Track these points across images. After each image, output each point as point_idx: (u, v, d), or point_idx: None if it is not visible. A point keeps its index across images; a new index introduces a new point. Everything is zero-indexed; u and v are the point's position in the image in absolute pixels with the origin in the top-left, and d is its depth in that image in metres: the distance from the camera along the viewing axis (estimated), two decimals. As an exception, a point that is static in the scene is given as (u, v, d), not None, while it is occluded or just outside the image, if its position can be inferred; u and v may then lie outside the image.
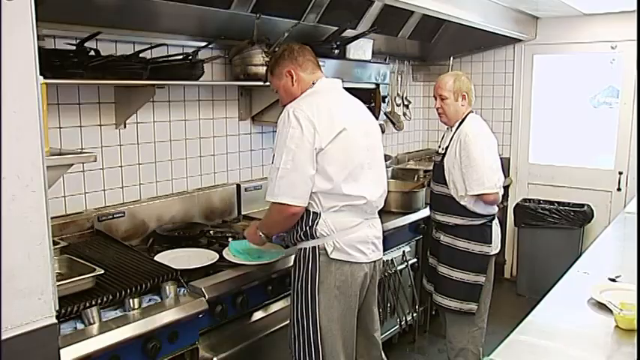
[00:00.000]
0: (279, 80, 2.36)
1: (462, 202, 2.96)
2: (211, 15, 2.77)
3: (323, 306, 2.21)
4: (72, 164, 1.73)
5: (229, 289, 2.24)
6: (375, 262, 2.36)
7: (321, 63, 3.09)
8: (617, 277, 2.35)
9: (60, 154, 1.62)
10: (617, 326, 1.90)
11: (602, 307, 2.04)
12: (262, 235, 2.35)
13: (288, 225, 2.26)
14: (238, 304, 2.30)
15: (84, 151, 2.03)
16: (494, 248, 3.05)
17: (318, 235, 2.21)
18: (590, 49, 4.44)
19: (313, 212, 2.21)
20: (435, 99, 3.08)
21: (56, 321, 1.51)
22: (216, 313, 2.20)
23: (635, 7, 4.05)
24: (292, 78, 2.32)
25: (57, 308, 1.52)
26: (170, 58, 2.63)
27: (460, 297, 3.01)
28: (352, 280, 2.25)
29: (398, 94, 4.54)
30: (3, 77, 1.32)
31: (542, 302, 2.17)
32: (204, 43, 2.81)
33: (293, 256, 2.36)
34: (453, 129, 3.04)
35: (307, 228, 2.22)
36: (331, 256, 2.20)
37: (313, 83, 2.33)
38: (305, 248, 2.25)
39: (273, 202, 2.18)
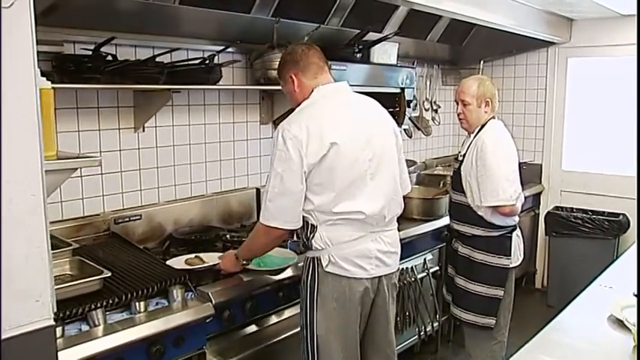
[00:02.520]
0: (285, 84, 2.29)
1: (479, 212, 2.85)
2: (231, 19, 2.78)
3: (321, 316, 2.15)
4: (76, 168, 1.74)
5: (238, 294, 2.23)
6: (381, 277, 2.24)
7: (342, 67, 3.13)
8: (642, 292, 2.24)
9: (62, 159, 1.64)
10: (636, 346, 1.81)
11: (622, 324, 1.95)
12: (244, 262, 2.30)
13: (274, 246, 2.27)
14: (247, 310, 2.29)
15: (87, 155, 2.05)
16: (515, 261, 2.92)
17: (313, 247, 2.15)
18: (629, 52, 4.27)
19: (311, 224, 2.14)
20: (457, 104, 2.99)
21: (54, 323, 1.52)
22: (224, 318, 2.19)
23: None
24: (294, 83, 2.23)
25: (55, 310, 1.53)
26: (187, 63, 2.65)
27: (477, 311, 2.90)
28: (350, 295, 2.16)
29: (427, 99, 4.48)
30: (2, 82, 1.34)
31: (559, 317, 2.09)
32: (222, 48, 2.81)
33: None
34: (473, 135, 2.94)
35: (305, 239, 2.17)
36: (326, 270, 2.13)
37: (313, 90, 2.22)
38: (307, 257, 2.21)
39: (262, 224, 2.14)
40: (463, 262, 2.92)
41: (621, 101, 4.61)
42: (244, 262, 2.31)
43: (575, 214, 4.42)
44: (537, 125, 4.72)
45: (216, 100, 3.05)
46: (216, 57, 2.76)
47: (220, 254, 2.41)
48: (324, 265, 2.14)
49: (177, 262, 2.39)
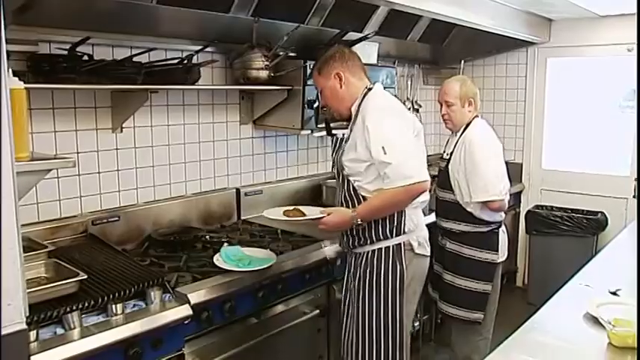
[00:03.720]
0: (327, 81, 2.41)
1: (467, 209, 2.91)
2: (210, 19, 2.76)
3: (405, 301, 2.34)
4: (50, 169, 1.72)
5: (217, 295, 2.21)
6: None
7: (321, 67, 3.12)
8: (617, 290, 2.27)
9: (35, 160, 1.61)
10: (610, 343, 1.83)
11: (597, 322, 1.97)
12: (359, 222, 2.32)
13: (405, 206, 2.34)
14: (226, 311, 2.27)
15: (61, 156, 2.03)
16: (501, 256, 2.99)
17: (406, 230, 2.34)
18: (606, 52, 4.33)
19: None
20: (441, 105, 3.03)
21: (26, 327, 1.50)
22: (203, 319, 2.18)
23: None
24: (341, 81, 2.38)
25: (27, 314, 1.51)
26: (165, 63, 2.63)
27: (466, 306, 2.95)
28: (425, 274, 2.48)
29: (408, 98, 4.48)
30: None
31: (537, 315, 2.11)
32: (200, 47, 2.79)
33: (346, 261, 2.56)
34: (458, 134, 3.00)
35: (395, 224, 2.33)
36: (416, 251, 2.37)
37: (369, 89, 2.41)
38: (382, 248, 2.33)
39: (402, 186, 2.23)
40: (451, 258, 2.97)
41: (599, 100, 4.67)
42: (360, 223, 2.32)
43: (554, 212, 4.46)
44: (517, 124, 4.76)
45: (195, 100, 3.03)
46: (195, 57, 2.75)
47: (323, 209, 2.41)
48: (415, 247, 2.37)
49: (275, 213, 2.51)
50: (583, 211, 4.40)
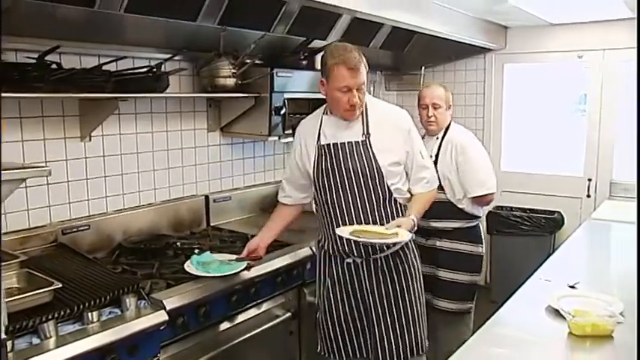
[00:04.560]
0: (367, 79, 2.39)
1: (459, 206, 3.07)
2: (178, 27, 2.78)
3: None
4: (25, 178, 1.72)
5: (191, 300, 2.24)
6: None
7: (288, 74, 3.19)
8: (575, 283, 2.39)
9: (9, 169, 1.61)
10: (570, 333, 1.93)
11: (558, 313, 2.07)
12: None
13: None
14: (201, 316, 2.30)
15: (35, 164, 2.02)
16: (484, 247, 3.22)
17: None
18: (559, 58, 4.52)
19: None
20: (424, 108, 3.16)
21: (5, 336, 1.51)
22: (178, 325, 2.20)
23: (599, 18, 4.14)
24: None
25: (6, 324, 1.51)
26: (134, 71, 2.64)
27: (458, 298, 3.15)
28: None
29: (371, 104, 4.57)
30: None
31: (501, 310, 2.21)
32: (169, 56, 2.81)
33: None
34: (439, 136, 3.14)
35: None
36: None
37: None
38: (407, 245, 2.49)
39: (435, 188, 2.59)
40: (445, 255, 3.12)
41: (553, 105, 4.87)
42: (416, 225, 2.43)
43: (514, 212, 4.61)
44: (477, 128, 4.89)
45: (163, 108, 3.05)
46: (163, 65, 2.76)
47: (390, 224, 2.35)
48: None
49: (342, 232, 2.34)
50: (541, 210, 4.56)
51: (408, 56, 4.73)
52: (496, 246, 4.64)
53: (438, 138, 3.15)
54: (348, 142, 2.40)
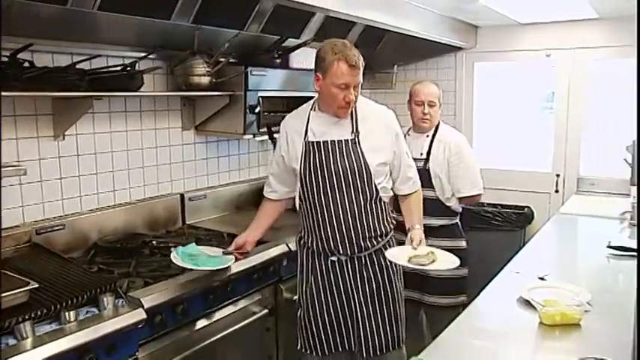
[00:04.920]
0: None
1: (447, 204, 3.15)
2: (152, 26, 2.76)
3: None
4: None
5: (169, 298, 2.24)
6: None
7: (262, 72, 3.21)
8: (545, 275, 2.47)
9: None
10: (541, 322, 2.00)
11: (529, 304, 2.14)
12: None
13: None
14: (178, 314, 2.31)
15: (9, 164, 2.00)
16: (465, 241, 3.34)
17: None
18: (527, 57, 4.61)
19: None
20: (419, 105, 3.21)
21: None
22: (156, 323, 2.21)
23: (566, 18, 4.24)
24: None
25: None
26: (108, 70, 2.63)
27: (451, 292, 3.25)
28: None
29: (344, 102, 4.60)
30: None
31: (475, 302, 2.27)
32: (143, 54, 2.81)
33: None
34: (430, 134, 3.18)
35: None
36: None
37: None
38: (389, 242, 2.54)
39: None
40: None
41: (523, 102, 4.97)
42: None
43: (486, 208, 4.69)
44: (449, 126, 4.97)
45: (137, 106, 3.04)
46: (138, 64, 2.76)
47: (410, 241, 2.49)
48: None
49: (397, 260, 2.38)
50: (511, 206, 4.65)
51: (380, 54, 4.76)
52: (469, 241, 4.71)
53: (428, 136, 3.20)
54: (338, 141, 2.41)
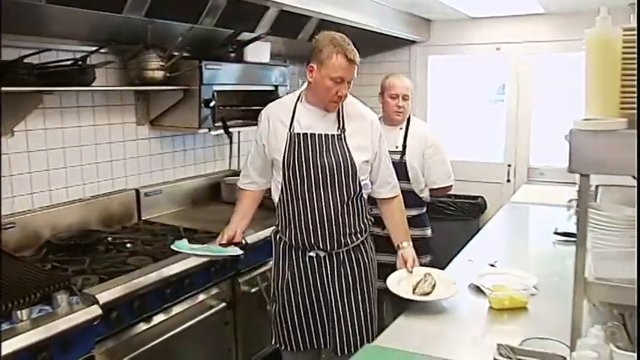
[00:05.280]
0: None
1: (420, 195, 3.21)
2: (103, 19, 2.72)
3: None
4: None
5: (124, 293, 2.23)
6: None
7: (217, 66, 3.20)
8: (495, 262, 2.56)
9: None
10: (490, 307, 2.08)
11: (479, 290, 2.22)
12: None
13: None
14: (135, 309, 2.30)
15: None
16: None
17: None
18: (478, 50, 4.73)
19: None
20: (394, 98, 3.20)
21: None
22: (112, 319, 2.19)
23: (515, 13, 4.37)
24: None
25: None
26: (59, 64, 2.58)
27: None
28: None
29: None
30: None
31: (427, 290, 2.33)
32: (95, 48, 2.76)
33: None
34: (403, 127, 3.21)
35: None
36: None
37: None
38: (366, 239, 2.52)
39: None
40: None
41: (475, 94, 5.09)
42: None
43: (440, 198, 4.78)
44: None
45: (90, 101, 2.99)
46: (89, 58, 2.71)
47: (408, 264, 2.46)
48: None
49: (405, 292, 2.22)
50: (465, 196, 4.77)
51: (336, 48, 4.80)
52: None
53: (401, 129, 3.22)
54: (325, 135, 2.37)
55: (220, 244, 2.54)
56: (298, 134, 2.38)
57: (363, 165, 2.42)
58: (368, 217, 2.54)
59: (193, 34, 3.12)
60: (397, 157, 3.16)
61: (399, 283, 2.29)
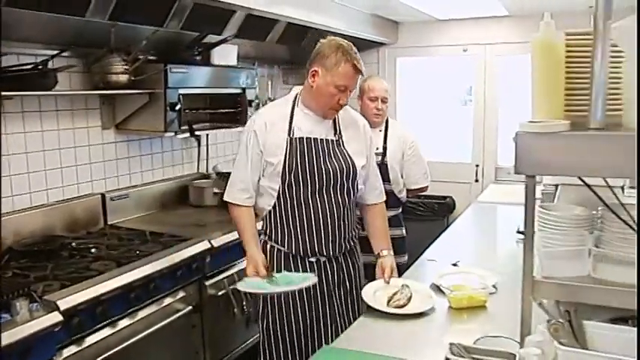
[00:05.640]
0: None
1: (399, 196, 3.24)
2: (65, 22, 2.70)
3: None
4: None
5: (86, 299, 2.21)
6: None
7: (183, 70, 3.20)
8: (457, 261, 2.60)
9: None
10: (450, 306, 2.11)
11: (440, 290, 2.25)
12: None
13: None
14: (98, 314, 2.29)
15: None
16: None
17: None
18: (445, 52, 4.80)
19: None
20: (373, 100, 3.22)
21: None
22: (74, 325, 2.18)
23: (480, 15, 4.44)
24: None
25: None
26: (19, 68, 2.56)
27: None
28: None
29: (269, 98, 4.64)
30: None
31: (391, 289, 2.36)
32: (56, 52, 2.74)
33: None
34: (382, 129, 3.23)
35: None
36: None
37: None
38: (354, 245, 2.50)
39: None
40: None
41: (444, 95, 5.16)
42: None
43: (410, 199, 4.82)
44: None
45: (53, 106, 2.96)
46: (51, 62, 2.69)
47: (385, 274, 2.35)
48: None
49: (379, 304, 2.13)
50: (434, 196, 4.81)
51: (305, 50, 4.78)
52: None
53: (381, 131, 3.24)
54: (325, 140, 2.31)
55: (270, 275, 2.25)
56: (301, 138, 2.29)
57: (361, 170, 2.39)
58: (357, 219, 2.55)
59: (159, 37, 3.11)
60: (378, 158, 3.14)
61: (375, 294, 2.23)
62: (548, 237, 1.62)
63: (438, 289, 2.25)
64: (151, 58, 3.19)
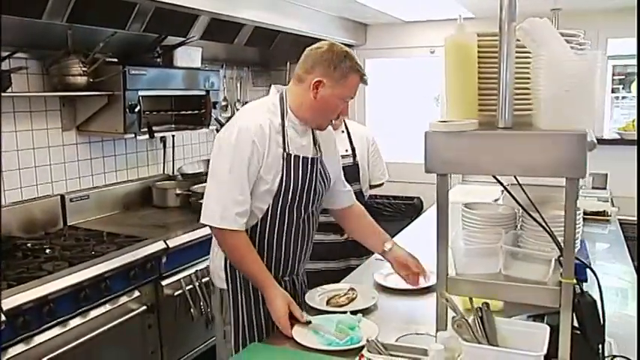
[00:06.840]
0: None
1: (365, 194, 3.28)
2: (19, 24, 2.72)
3: None
4: None
5: (31, 299, 2.24)
6: None
7: (142, 72, 3.22)
8: (406, 261, 2.62)
9: None
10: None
11: (386, 289, 2.29)
12: None
13: None
14: (45, 314, 2.31)
15: None
16: None
17: None
18: (412, 54, 4.85)
19: None
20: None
21: None
22: (18, 325, 2.19)
23: (445, 17, 4.49)
24: None
25: None
26: (-31, 70, 2.57)
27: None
28: None
29: (238, 100, 4.67)
30: None
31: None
32: (7, 53, 2.75)
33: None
34: (344, 130, 3.17)
35: None
36: None
37: None
38: None
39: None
40: (353, 244, 2.84)
41: (412, 96, 5.21)
42: None
43: (377, 200, 4.88)
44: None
45: (10, 107, 2.97)
46: (5, 63, 2.71)
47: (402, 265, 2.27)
48: None
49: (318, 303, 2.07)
50: (402, 197, 4.87)
51: (274, 52, 4.85)
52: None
53: (343, 132, 3.24)
54: (312, 159, 2.10)
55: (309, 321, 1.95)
56: (296, 157, 2.05)
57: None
58: None
59: (119, 39, 3.14)
60: (350, 160, 3.10)
61: (319, 296, 2.18)
62: (469, 235, 1.67)
63: (383, 288, 2.29)
64: (110, 59, 3.21)
